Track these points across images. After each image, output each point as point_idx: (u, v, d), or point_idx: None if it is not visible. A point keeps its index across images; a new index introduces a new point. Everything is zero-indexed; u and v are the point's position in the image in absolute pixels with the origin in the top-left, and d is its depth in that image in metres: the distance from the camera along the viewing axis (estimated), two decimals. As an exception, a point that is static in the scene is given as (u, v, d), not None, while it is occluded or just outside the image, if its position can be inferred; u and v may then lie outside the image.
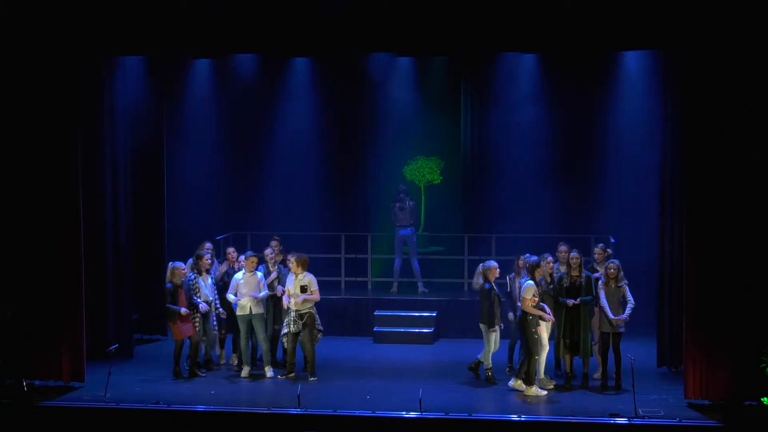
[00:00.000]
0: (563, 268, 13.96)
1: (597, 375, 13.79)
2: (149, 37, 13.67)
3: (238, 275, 14.26)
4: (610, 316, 13.30)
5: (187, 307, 14.07)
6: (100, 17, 13.50)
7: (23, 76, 13.52)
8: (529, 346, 13.16)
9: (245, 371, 14.30)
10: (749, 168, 12.58)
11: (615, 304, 13.33)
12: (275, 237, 15.42)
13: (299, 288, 13.93)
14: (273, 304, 14.51)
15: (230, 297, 14.24)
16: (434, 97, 18.93)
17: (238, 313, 14.20)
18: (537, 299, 13.15)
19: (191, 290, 14.16)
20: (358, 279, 18.57)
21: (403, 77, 18.85)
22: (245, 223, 18.82)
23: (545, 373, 13.66)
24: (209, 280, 14.47)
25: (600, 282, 13.49)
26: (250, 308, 14.15)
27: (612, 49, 16.16)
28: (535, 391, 13.20)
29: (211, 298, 14.43)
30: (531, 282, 13.18)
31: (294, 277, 14.01)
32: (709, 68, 12.61)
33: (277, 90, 19.10)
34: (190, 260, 14.53)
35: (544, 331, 13.47)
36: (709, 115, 12.63)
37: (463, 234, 18.46)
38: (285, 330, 14.06)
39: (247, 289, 14.13)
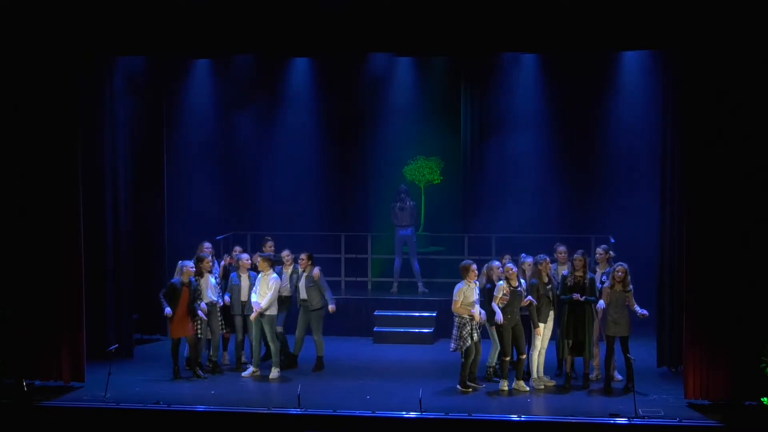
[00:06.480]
0: (561, 269, 13.99)
1: (593, 376, 13.84)
2: (149, 37, 13.67)
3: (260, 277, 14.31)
4: (600, 319, 13.46)
5: (187, 308, 14.06)
6: (100, 17, 13.50)
7: (24, 77, 13.52)
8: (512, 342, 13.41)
9: (250, 372, 14.32)
10: (749, 168, 12.59)
11: (620, 307, 13.29)
12: (267, 238, 15.46)
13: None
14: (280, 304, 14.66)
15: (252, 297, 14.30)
16: (434, 97, 18.92)
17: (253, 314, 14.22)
18: (507, 298, 13.28)
19: (196, 292, 14.17)
20: (358, 279, 18.57)
21: (403, 77, 18.85)
22: (245, 223, 18.82)
23: (545, 372, 13.72)
24: (212, 280, 14.47)
25: (606, 284, 13.48)
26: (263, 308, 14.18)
27: (612, 49, 16.17)
28: (505, 385, 13.43)
29: (215, 299, 14.43)
30: (502, 282, 13.37)
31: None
32: (708, 68, 12.62)
33: (277, 90, 19.09)
34: (191, 262, 14.53)
35: (541, 331, 13.52)
36: (709, 115, 12.65)
37: (463, 234, 18.47)
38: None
39: (262, 289, 14.17)
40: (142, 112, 16.32)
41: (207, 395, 13.35)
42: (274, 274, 14.28)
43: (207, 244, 15.03)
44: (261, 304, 14.05)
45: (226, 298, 14.56)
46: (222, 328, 14.62)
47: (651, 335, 14.65)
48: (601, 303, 13.34)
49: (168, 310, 13.95)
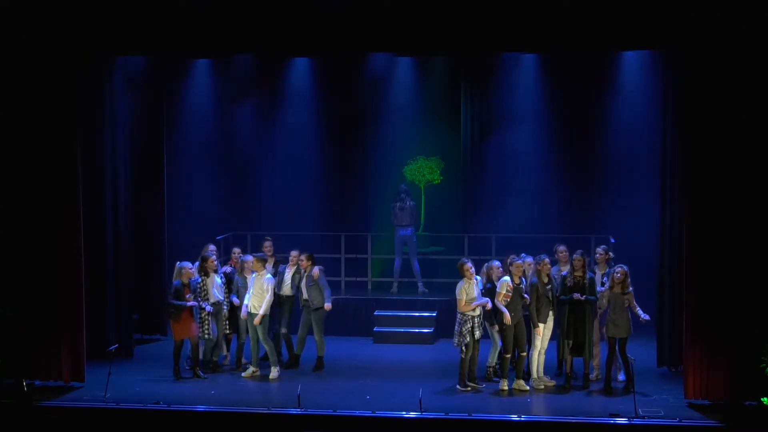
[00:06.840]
0: (563, 268, 13.99)
1: (593, 376, 13.85)
2: (149, 37, 13.67)
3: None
4: (600, 319, 13.47)
5: (189, 310, 14.05)
6: (100, 17, 13.50)
7: (24, 77, 13.52)
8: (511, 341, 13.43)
9: (250, 372, 14.30)
10: (749, 168, 12.60)
11: (618, 310, 13.28)
12: (266, 238, 15.46)
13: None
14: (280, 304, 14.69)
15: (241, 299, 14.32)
16: (434, 97, 18.92)
17: (250, 313, 14.22)
18: (510, 295, 13.31)
19: (198, 291, 14.17)
20: (358, 279, 18.57)
21: (403, 77, 18.85)
22: (245, 223, 18.81)
23: (545, 372, 13.72)
24: (218, 280, 14.46)
25: (606, 285, 13.49)
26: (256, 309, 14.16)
27: (612, 49, 16.17)
28: (505, 385, 13.44)
29: (220, 298, 14.43)
30: (506, 278, 13.40)
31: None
32: (708, 68, 12.63)
33: (277, 90, 19.10)
34: (197, 263, 14.51)
35: (541, 330, 13.52)
36: (709, 115, 12.65)
37: (463, 234, 18.46)
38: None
39: (255, 290, 14.17)
40: (142, 112, 16.31)
41: (207, 395, 13.35)
42: (269, 275, 14.28)
43: (212, 246, 14.99)
44: (260, 310, 14.01)
45: (234, 298, 14.52)
46: (226, 328, 14.61)
47: (651, 335, 14.65)
48: (600, 288, 13.37)
49: (193, 302, 13.98)
